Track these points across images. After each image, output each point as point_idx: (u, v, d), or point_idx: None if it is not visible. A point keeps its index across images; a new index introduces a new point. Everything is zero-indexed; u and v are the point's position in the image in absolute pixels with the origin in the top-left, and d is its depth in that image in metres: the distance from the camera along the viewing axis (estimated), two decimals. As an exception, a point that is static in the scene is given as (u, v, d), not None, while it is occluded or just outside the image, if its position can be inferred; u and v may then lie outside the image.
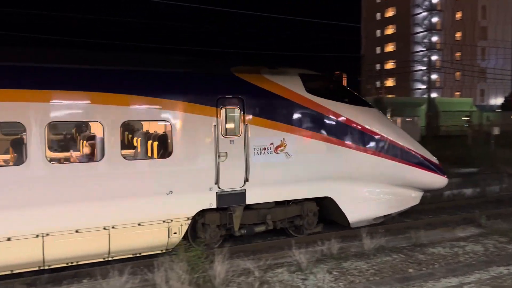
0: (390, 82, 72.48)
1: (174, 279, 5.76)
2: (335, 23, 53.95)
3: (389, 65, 72.78)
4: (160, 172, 7.60)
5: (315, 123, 8.81)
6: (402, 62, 64.88)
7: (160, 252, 7.68)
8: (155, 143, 8.04)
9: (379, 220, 9.86)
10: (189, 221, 7.90)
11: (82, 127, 9.08)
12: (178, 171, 7.71)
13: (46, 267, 7.01)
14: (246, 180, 8.16)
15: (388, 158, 9.41)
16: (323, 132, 8.85)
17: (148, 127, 9.24)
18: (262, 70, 8.95)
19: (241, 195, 8.16)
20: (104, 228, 7.15)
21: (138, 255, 7.65)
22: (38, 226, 6.69)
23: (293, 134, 8.57)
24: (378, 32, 76.26)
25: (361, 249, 7.84)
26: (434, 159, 10.05)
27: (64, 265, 7.19)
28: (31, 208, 6.66)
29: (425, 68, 55.62)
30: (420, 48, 69.04)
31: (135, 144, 8.53)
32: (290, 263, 7.06)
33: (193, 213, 7.94)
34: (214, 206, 8.05)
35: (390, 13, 74.61)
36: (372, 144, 9.30)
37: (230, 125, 8.17)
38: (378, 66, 72.06)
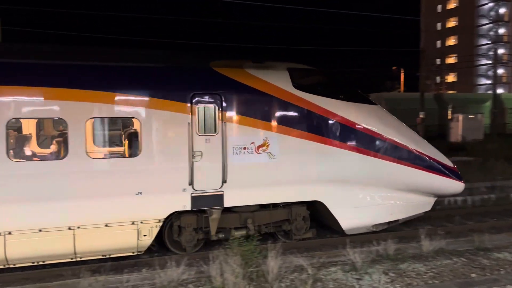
0: (451, 78, 68.91)
1: (228, 272, 5.84)
2: (393, 17, 52.00)
3: (451, 60, 69.16)
4: (128, 172, 7.29)
5: (303, 121, 8.28)
6: (465, 56, 61.37)
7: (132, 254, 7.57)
8: (125, 141, 7.80)
9: (381, 227, 9.12)
10: (160, 223, 7.61)
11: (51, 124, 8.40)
12: (147, 171, 7.37)
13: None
14: (224, 181, 7.77)
15: (389, 160, 8.73)
16: (312, 131, 8.29)
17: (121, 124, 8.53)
18: (246, 64, 8.40)
19: (219, 197, 7.77)
20: (69, 228, 7.02)
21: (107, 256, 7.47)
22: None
23: (278, 133, 8.09)
24: (438, 25, 72.69)
25: (419, 251, 7.53)
26: (447, 162, 9.33)
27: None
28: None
29: (490, 62, 52.28)
30: (484, 41, 64.94)
31: (103, 142, 8.18)
32: (344, 262, 6.93)
33: (165, 215, 7.62)
34: (189, 208, 7.70)
35: (452, 4, 70.81)
36: (369, 144, 8.64)
37: (206, 123, 7.74)
38: (438, 61, 68.69)
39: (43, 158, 7.71)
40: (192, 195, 7.69)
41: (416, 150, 8.93)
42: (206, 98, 7.76)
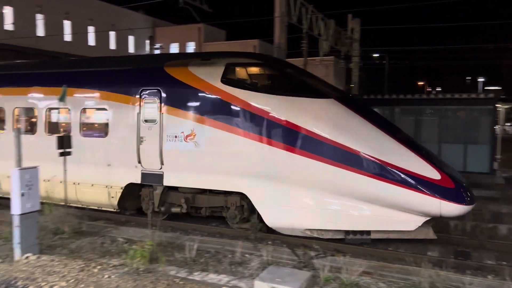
0: None
1: None
2: None
3: None
4: (102, 148, 9.72)
5: (226, 115, 8.44)
6: None
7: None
8: (98, 125, 10.16)
9: (328, 235, 8.17)
10: (121, 190, 9.65)
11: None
12: (112, 149, 9.52)
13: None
14: (162, 163, 9.05)
15: (322, 161, 7.77)
16: (236, 124, 8.33)
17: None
18: (192, 62, 9.12)
19: (160, 176, 8.99)
20: (74, 183, 9.92)
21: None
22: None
23: (203, 124, 8.63)
24: None
25: None
26: (427, 174, 7.38)
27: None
28: None
29: None
30: None
31: (89, 125, 10.45)
32: None
33: (124, 184, 9.61)
34: (139, 182, 9.44)
35: None
36: (298, 141, 7.94)
37: (149, 114, 9.15)
38: None
39: (92, 136, 10.31)
40: (142, 171, 9.41)
41: (365, 154, 7.63)
42: (150, 93, 9.24)
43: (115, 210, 10.14)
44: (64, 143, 9.11)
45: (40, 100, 10.80)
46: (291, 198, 8.24)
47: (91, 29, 36.02)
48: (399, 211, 7.75)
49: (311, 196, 8.14)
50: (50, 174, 9.71)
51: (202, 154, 8.73)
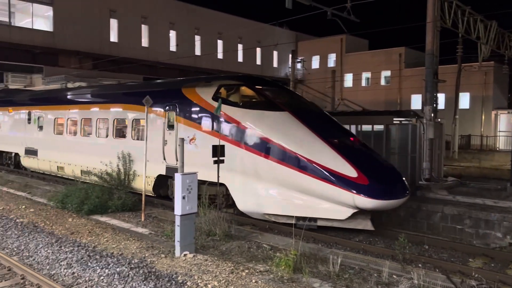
0: None
1: None
2: None
3: None
4: (142, 148, 11.09)
5: (213, 123, 10.89)
6: None
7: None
8: (137, 131, 13.31)
9: (282, 220, 9.90)
10: (154, 179, 12.30)
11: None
12: (149, 149, 11.00)
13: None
14: (177, 160, 10.92)
15: (265, 157, 9.76)
16: (218, 130, 10.57)
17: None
18: (199, 84, 11.89)
19: (176, 170, 9.41)
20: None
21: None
22: None
23: (199, 131, 11.18)
24: None
25: None
26: (345, 172, 8.96)
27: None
28: None
29: None
30: None
31: (128, 131, 13.46)
32: None
33: (155, 175, 12.21)
34: (164, 174, 12.06)
35: None
36: (258, 144, 9.96)
37: (170, 122, 11.97)
38: None
39: (138, 139, 13.17)
40: (166, 166, 11.92)
41: (299, 154, 9.35)
42: (171, 107, 11.87)
43: (152, 195, 12.80)
44: (219, 152, 9.85)
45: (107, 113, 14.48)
46: (254, 189, 10.14)
47: (239, 47, 38.82)
48: (330, 202, 9.29)
49: (267, 187, 10.00)
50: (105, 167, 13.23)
51: (199, 153, 11.00)
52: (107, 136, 14.26)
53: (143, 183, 11.05)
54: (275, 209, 9.92)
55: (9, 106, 19.86)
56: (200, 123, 11.16)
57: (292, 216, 9.62)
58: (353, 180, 8.88)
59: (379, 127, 14.95)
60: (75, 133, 15.60)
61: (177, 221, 7.64)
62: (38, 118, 17.55)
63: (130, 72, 29.69)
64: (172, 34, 34.04)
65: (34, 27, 26.38)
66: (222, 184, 10.50)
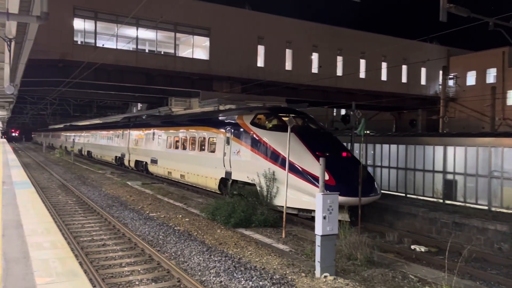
0: None
1: None
2: None
3: None
4: (212, 159, 16.90)
5: (249, 141, 14.75)
6: None
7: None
8: (210, 145, 17.68)
9: (289, 211, 12.40)
10: (218, 181, 16.60)
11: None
12: (217, 158, 16.39)
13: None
14: (230, 167, 15.66)
15: (278, 166, 13.35)
16: (252, 146, 14.58)
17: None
18: (245, 113, 16.12)
19: (230, 174, 15.66)
20: (197, 175, 18.53)
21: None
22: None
23: (242, 146, 15.08)
24: None
25: None
26: (318, 174, 10.80)
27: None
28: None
29: None
30: None
31: (204, 145, 18.14)
32: None
33: (219, 177, 16.54)
34: (224, 177, 16.14)
35: None
36: (272, 155, 13.73)
37: (228, 140, 15.91)
38: None
39: (211, 152, 17.52)
40: (225, 171, 16.10)
41: (294, 162, 12.62)
42: (228, 129, 16.16)
43: (218, 192, 16.86)
44: (360, 173, 9.59)
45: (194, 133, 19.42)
46: (271, 187, 13.55)
47: (383, 65, 37.53)
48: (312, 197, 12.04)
49: (278, 186, 13.36)
50: (192, 172, 19.03)
51: (241, 162, 15.11)
52: (194, 149, 19.07)
53: (213, 182, 17.14)
54: (283, 202, 12.01)
55: (143, 128, 26.76)
56: (242, 140, 15.21)
57: (295, 208, 12.95)
58: (325, 182, 11.76)
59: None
60: (176, 147, 21.10)
61: (318, 241, 7.61)
62: (158, 136, 23.61)
63: (274, 95, 31.10)
64: (315, 56, 34.74)
65: (194, 57, 29.77)
66: (254, 184, 14.24)
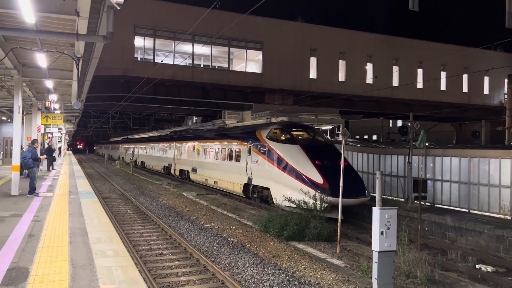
0: None
1: None
2: None
3: None
4: (238, 167, 19.94)
5: (266, 152, 17.44)
6: None
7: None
8: (236, 155, 20.45)
9: (290, 206, 14.68)
10: (242, 185, 19.65)
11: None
12: (241, 166, 19.43)
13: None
14: (251, 174, 18.66)
15: (286, 173, 16.01)
16: (267, 156, 17.28)
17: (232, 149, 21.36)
18: (262, 128, 19.02)
19: (251, 179, 18.74)
20: (227, 181, 21.75)
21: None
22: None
23: (259, 156, 17.90)
24: None
25: None
26: (316, 179, 14.81)
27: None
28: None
29: None
30: None
31: (232, 155, 21.10)
32: None
33: (242, 183, 19.58)
34: (247, 182, 19.20)
35: None
36: (282, 164, 16.27)
37: (249, 150, 18.89)
38: None
39: (235, 161, 20.95)
40: (247, 177, 19.09)
41: (297, 169, 15.51)
42: (249, 141, 19.07)
43: (243, 196, 20.07)
44: (420, 187, 9.21)
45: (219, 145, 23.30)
46: (281, 191, 16.09)
47: (442, 75, 36.02)
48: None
49: (286, 189, 15.96)
50: (222, 178, 22.31)
51: (260, 170, 17.91)
52: (224, 159, 22.15)
53: (238, 187, 20.43)
54: (289, 203, 14.35)
55: (185, 140, 30.70)
56: (259, 151, 18.05)
57: (293, 203, 14.43)
58: (319, 185, 14.72)
59: None
60: (209, 157, 24.63)
61: (375, 257, 7.36)
62: (196, 148, 27.23)
63: (327, 106, 30.79)
64: (369, 67, 34.05)
65: (247, 70, 30.25)
66: (268, 188, 17.39)
